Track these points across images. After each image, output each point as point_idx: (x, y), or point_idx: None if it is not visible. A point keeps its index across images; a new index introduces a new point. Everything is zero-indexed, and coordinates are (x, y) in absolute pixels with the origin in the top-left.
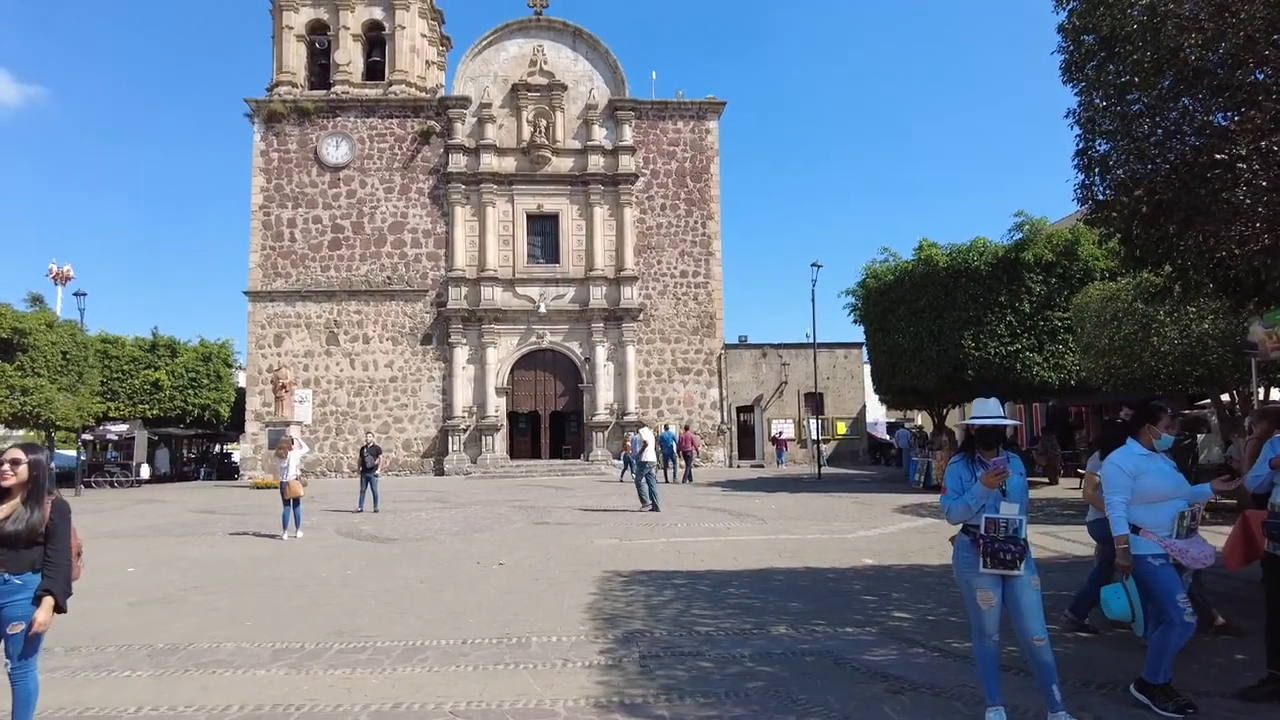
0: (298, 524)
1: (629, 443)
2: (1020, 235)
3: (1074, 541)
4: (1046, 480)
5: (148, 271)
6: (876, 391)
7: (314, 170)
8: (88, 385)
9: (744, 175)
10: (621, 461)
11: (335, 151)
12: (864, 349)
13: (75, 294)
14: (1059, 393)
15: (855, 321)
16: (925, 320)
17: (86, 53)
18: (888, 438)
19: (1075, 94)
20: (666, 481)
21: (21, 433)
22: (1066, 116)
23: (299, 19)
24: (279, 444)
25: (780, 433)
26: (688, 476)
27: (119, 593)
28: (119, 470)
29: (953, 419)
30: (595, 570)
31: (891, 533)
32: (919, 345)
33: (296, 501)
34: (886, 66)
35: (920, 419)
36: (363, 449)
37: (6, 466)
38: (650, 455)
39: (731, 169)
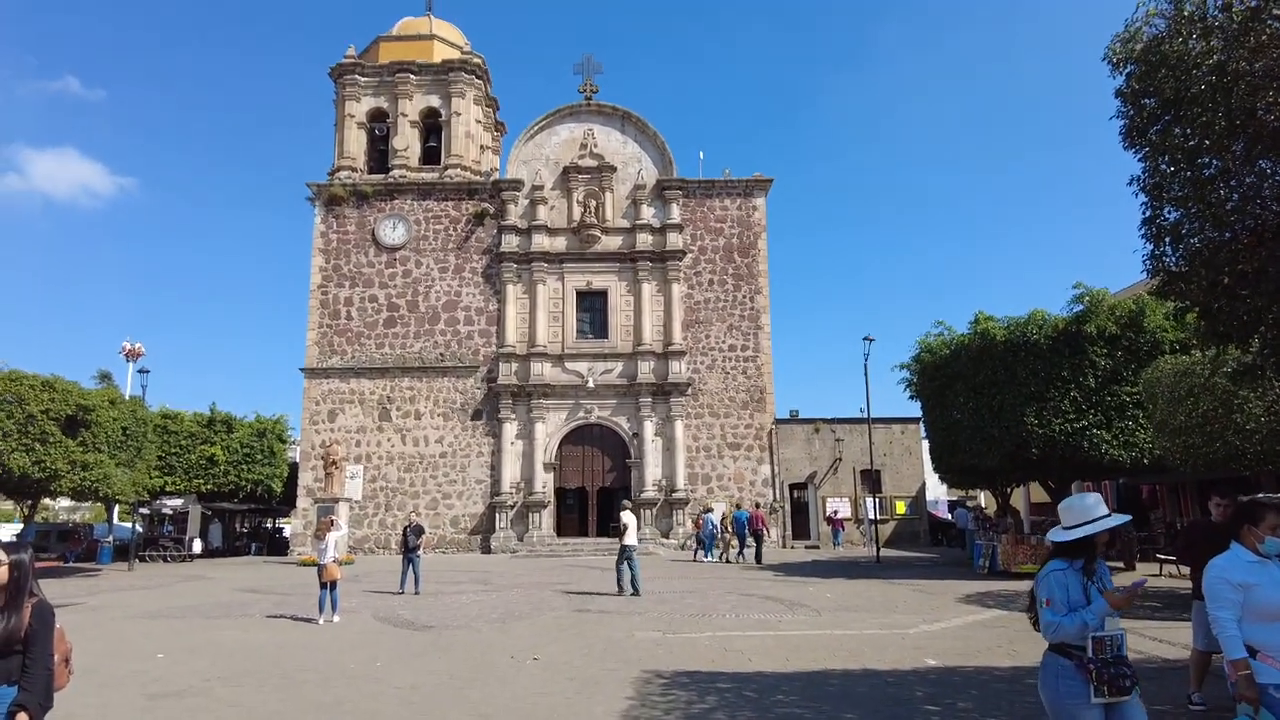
0: (334, 608)
1: (700, 520)
2: (1080, 308)
3: (1160, 641)
4: (1121, 565)
5: (209, 349)
6: (936, 470)
7: (371, 251)
8: (145, 460)
9: (792, 247)
10: (694, 541)
11: (392, 233)
12: (921, 424)
13: (139, 371)
14: (1130, 471)
15: (911, 397)
16: (984, 396)
17: (171, 146)
18: (949, 517)
19: (1139, 159)
20: (734, 562)
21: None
22: (1130, 184)
23: (360, 107)
24: (318, 524)
25: (836, 512)
26: (758, 557)
27: (142, 682)
28: (172, 545)
29: (1017, 498)
30: (634, 669)
31: (955, 627)
32: (979, 422)
33: (334, 585)
34: (934, 137)
35: (982, 498)
36: (405, 528)
37: None
38: (631, 539)
39: (779, 241)
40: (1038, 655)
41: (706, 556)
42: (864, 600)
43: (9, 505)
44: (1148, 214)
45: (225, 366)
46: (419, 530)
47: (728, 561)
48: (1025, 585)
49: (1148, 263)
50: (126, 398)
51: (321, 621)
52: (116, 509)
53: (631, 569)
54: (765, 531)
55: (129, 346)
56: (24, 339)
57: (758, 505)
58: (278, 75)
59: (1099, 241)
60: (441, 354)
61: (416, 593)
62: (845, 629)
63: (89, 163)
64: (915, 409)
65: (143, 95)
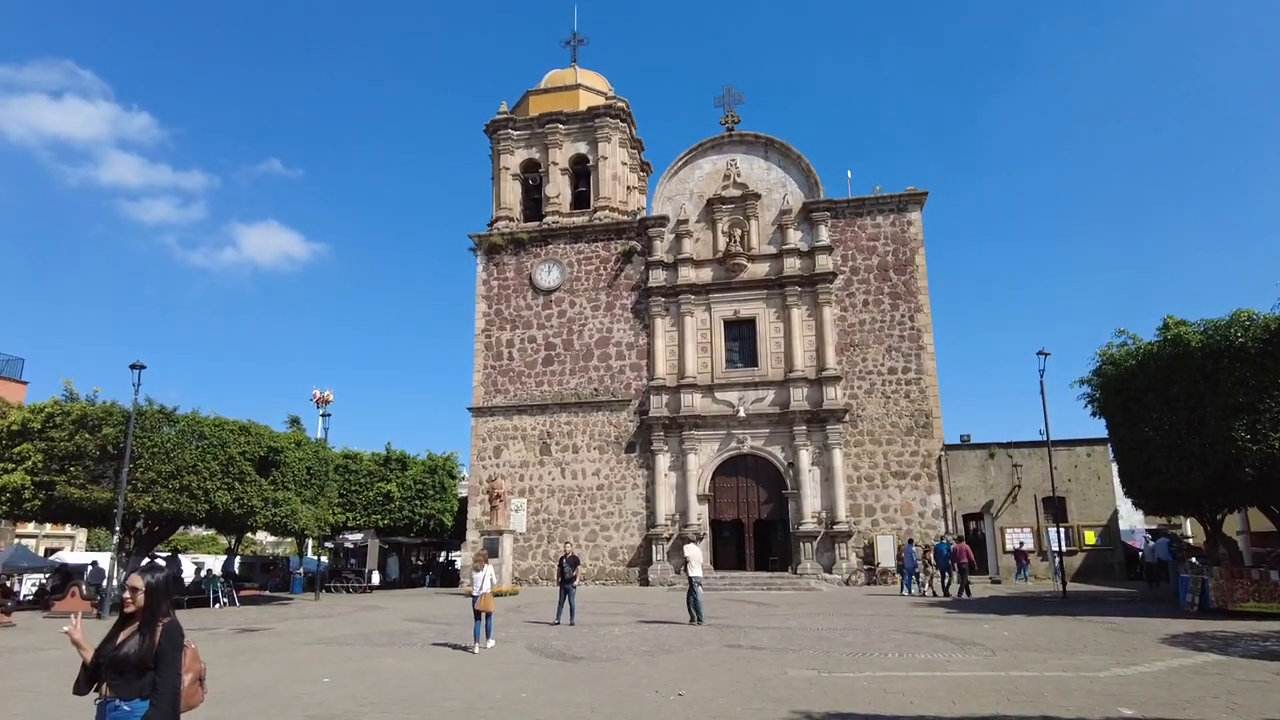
0: (489, 634)
1: (903, 553)
2: None
3: None
4: None
5: (387, 395)
6: (1128, 494)
7: (529, 294)
8: (327, 497)
9: (955, 264)
10: (901, 575)
11: (547, 277)
12: (1109, 446)
13: (322, 415)
14: None
15: (1094, 414)
16: (1181, 410)
17: (354, 212)
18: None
19: None
20: (935, 594)
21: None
22: None
23: (514, 159)
24: (476, 556)
25: (1021, 544)
26: (964, 590)
27: (304, 705)
28: (353, 576)
29: (1230, 525)
30: (782, 710)
31: (1158, 672)
32: (1176, 439)
33: (488, 615)
34: (1102, 138)
35: (1187, 526)
36: (561, 559)
37: (128, 594)
38: (695, 571)
39: (939, 257)
40: (1269, 710)
41: (907, 590)
42: (1046, 639)
43: (220, 539)
44: None
45: (401, 409)
46: (575, 561)
47: (934, 595)
48: (1246, 626)
49: None
50: (312, 440)
51: (476, 650)
52: (308, 543)
53: (695, 598)
54: (972, 564)
55: (318, 394)
56: (235, 391)
57: (960, 539)
58: (442, 134)
59: None
60: (596, 389)
61: (572, 624)
62: (1023, 670)
63: (289, 232)
64: (1099, 429)
65: (330, 169)
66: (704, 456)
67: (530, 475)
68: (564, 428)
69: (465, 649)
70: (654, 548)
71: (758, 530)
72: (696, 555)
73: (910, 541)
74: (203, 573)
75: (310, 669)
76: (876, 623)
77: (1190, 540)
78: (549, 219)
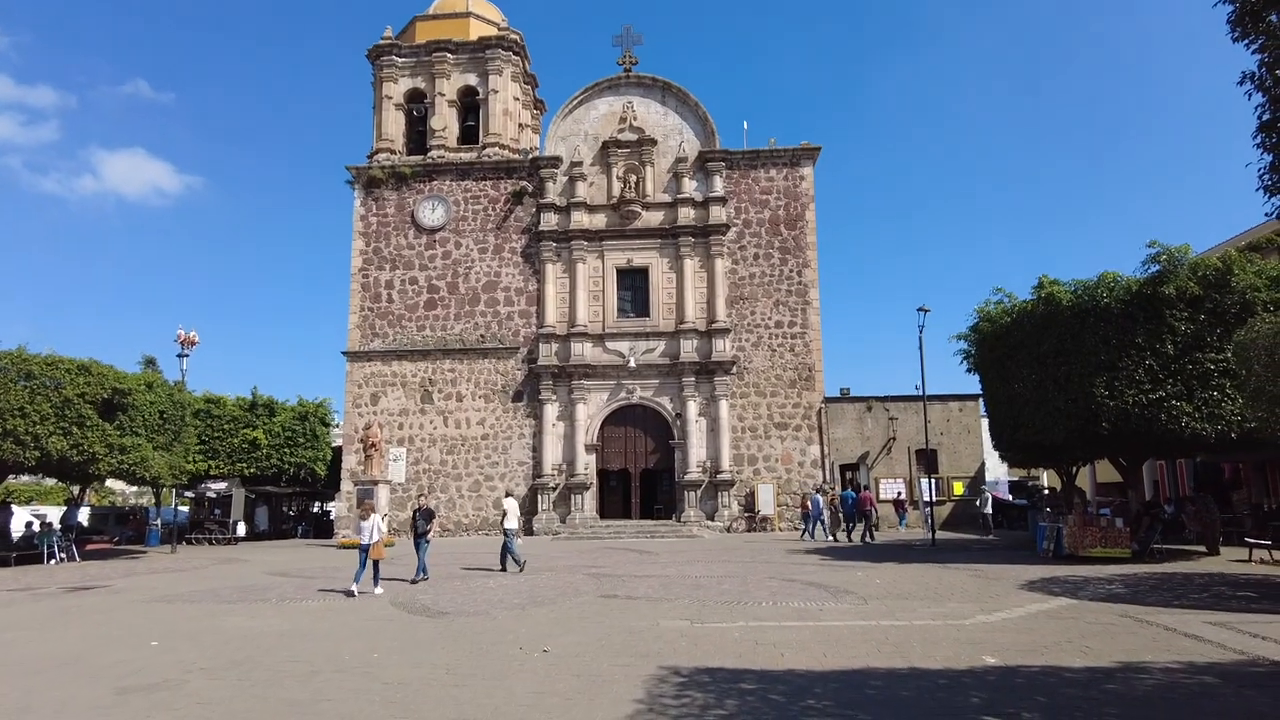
0: (375, 582)
1: (808, 502)
2: (1156, 268)
3: (1261, 638)
4: (1204, 550)
5: (256, 336)
6: (996, 448)
7: (411, 233)
8: (184, 444)
9: (843, 221)
10: (804, 522)
11: (431, 214)
12: (980, 401)
13: (178, 355)
14: (1214, 447)
15: (969, 370)
16: (1049, 367)
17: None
18: (1010, 498)
19: (1253, 52)
20: (837, 541)
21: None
22: (1241, 82)
23: (397, 89)
24: (360, 507)
25: (900, 494)
26: (864, 536)
27: (120, 674)
28: (217, 528)
29: (1083, 477)
30: (651, 665)
31: (1018, 618)
32: (1043, 395)
33: (376, 564)
34: (990, 101)
35: (1045, 477)
36: (415, 512)
37: None
38: (512, 524)
39: (829, 216)
40: (1115, 654)
41: (810, 536)
42: (916, 586)
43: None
44: (1265, 117)
45: (272, 353)
46: (428, 514)
47: (834, 540)
48: (1094, 571)
49: (1265, 177)
50: (169, 382)
51: (357, 591)
52: (165, 493)
53: (510, 550)
54: (875, 510)
55: (183, 334)
56: (91, 334)
57: (866, 487)
58: (322, 62)
59: (1176, 205)
60: (482, 335)
61: (415, 580)
62: (893, 619)
63: (158, 162)
64: (974, 385)
65: (206, 95)
66: (593, 406)
67: (410, 424)
68: (447, 375)
69: (347, 593)
70: (540, 498)
71: (644, 480)
72: (513, 508)
73: (818, 490)
74: (35, 526)
75: (141, 631)
76: (753, 570)
77: (1048, 490)
78: (434, 153)
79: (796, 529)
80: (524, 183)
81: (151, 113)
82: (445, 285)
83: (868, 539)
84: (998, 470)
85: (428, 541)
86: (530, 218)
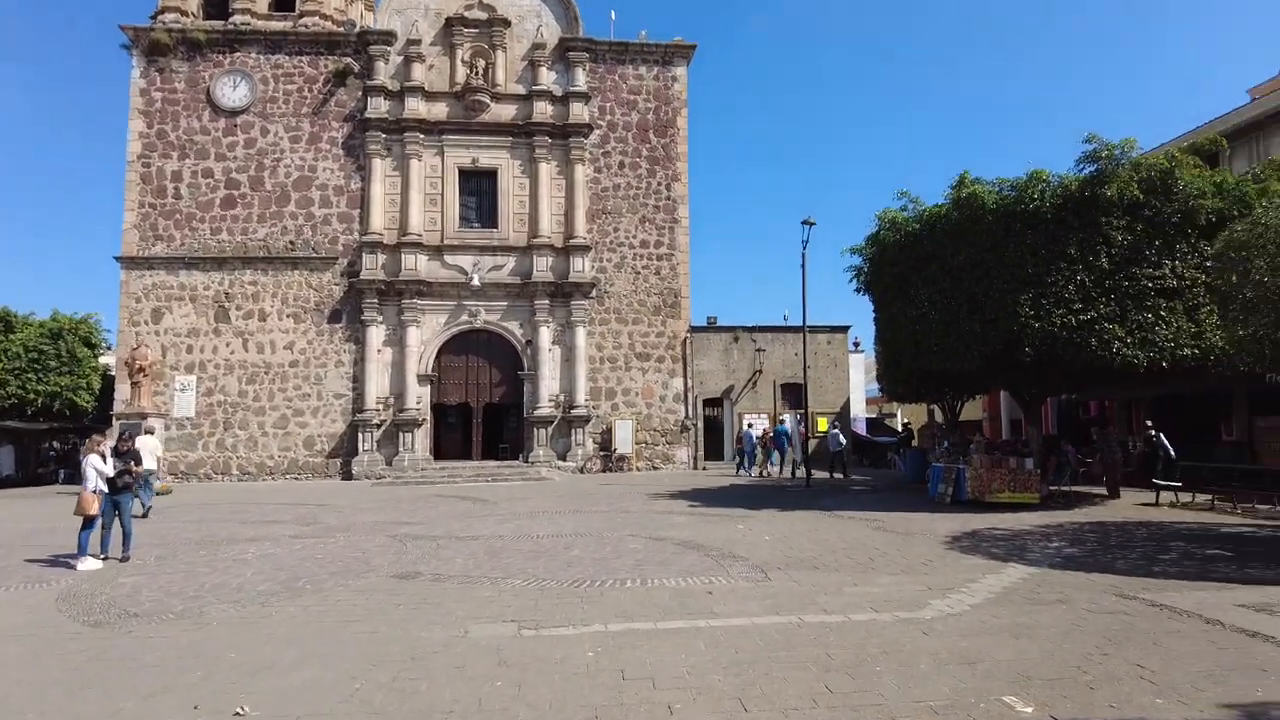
0: (103, 547)
1: (741, 437)
2: (1094, 167)
3: None
4: (1105, 492)
5: (5, 239)
6: (883, 378)
7: (206, 114)
8: None
9: (718, 133)
10: (739, 456)
11: (233, 93)
12: (848, 334)
13: None
14: (1145, 378)
15: (859, 290)
16: (965, 283)
17: None
18: (869, 436)
19: None
20: (770, 476)
21: None
22: None
23: None
24: (88, 443)
25: (766, 431)
26: (797, 470)
27: None
28: None
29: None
30: None
31: (987, 604)
32: (954, 316)
33: (90, 521)
34: None
35: (900, 414)
36: (111, 455)
37: None
38: (150, 463)
39: (704, 125)
40: (1194, 680)
41: (744, 471)
42: (819, 547)
43: None
44: None
45: (24, 258)
46: (132, 456)
47: (766, 476)
48: (1011, 520)
49: None
50: None
51: (80, 569)
52: None
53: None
54: (806, 444)
55: None
56: None
57: (800, 421)
58: None
59: (1115, 98)
60: (292, 242)
61: (123, 559)
62: (818, 610)
63: None
64: (840, 317)
65: None
66: (428, 330)
67: (203, 347)
68: (248, 289)
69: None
70: (361, 436)
71: (488, 415)
72: (150, 446)
73: (749, 425)
74: None
75: None
76: (612, 524)
77: (910, 425)
78: (238, 18)
79: (656, 469)
80: (349, 60)
81: None
82: (248, 180)
83: (794, 473)
84: (858, 407)
85: (135, 496)
86: (356, 103)
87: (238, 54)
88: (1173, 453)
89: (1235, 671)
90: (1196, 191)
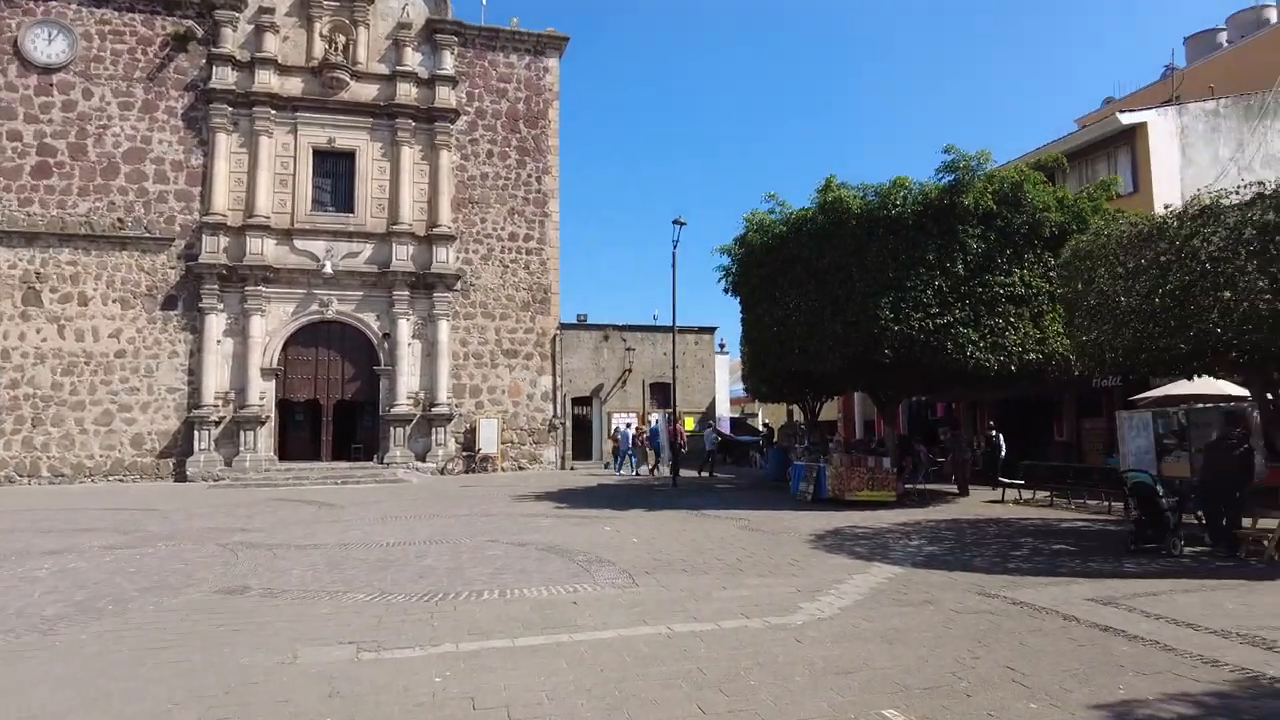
0: None
1: (617, 436)
2: (952, 177)
3: (1176, 622)
4: (956, 490)
5: None
6: (749, 379)
7: (14, 69)
8: None
9: (591, 129)
10: (615, 456)
11: (47, 47)
12: (715, 335)
13: None
14: (993, 381)
15: (727, 291)
16: (829, 285)
17: None
18: (733, 435)
19: None
20: (642, 475)
21: None
22: None
23: None
24: None
25: (640, 431)
26: (674, 469)
27: None
28: None
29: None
30: None
31: (856, 607)
32: (818, 318)
33: None
34: None
35: (761, 414)
36: None
37: None
38: None
39: (576, 119)
40: (1067, 685)
41: (619, 471)
42: (687, 548)
43: None
44: None
45: None
46: None
47: (638, 475)
48: (871, 518)
49: None
50: None
51: None
52: None
53: None
54: (683, 446)
55: None
56: None
57: (675, 420)
58: None
59: (968, 114)
60: (121, 219)
61: None
62: (688, 618)
63: None
64: (710, 318)
65: None
66: (274, 321)
67: (8, 333)
68: (65, 270)
69: None
70: (197, 434)
71: (340, 414)
72: None
73: (627, 425)
74: None
75: None
76: (471, 529)
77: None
78: None
79: (522, 469)
80: (190, 24)
81: None
82: (67, 147)
83: (665, 470)
84: (723, 407)
85: None
86: (199, 72)
87: (54, 3)
88: (1004, 451)
89: (1097, 669)
90: (1042, 205)
